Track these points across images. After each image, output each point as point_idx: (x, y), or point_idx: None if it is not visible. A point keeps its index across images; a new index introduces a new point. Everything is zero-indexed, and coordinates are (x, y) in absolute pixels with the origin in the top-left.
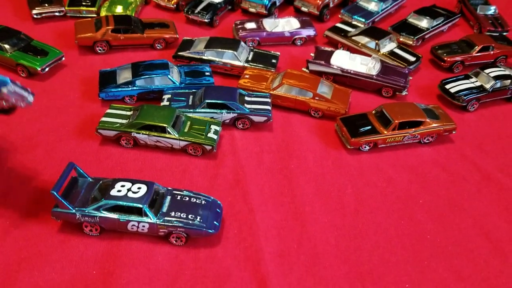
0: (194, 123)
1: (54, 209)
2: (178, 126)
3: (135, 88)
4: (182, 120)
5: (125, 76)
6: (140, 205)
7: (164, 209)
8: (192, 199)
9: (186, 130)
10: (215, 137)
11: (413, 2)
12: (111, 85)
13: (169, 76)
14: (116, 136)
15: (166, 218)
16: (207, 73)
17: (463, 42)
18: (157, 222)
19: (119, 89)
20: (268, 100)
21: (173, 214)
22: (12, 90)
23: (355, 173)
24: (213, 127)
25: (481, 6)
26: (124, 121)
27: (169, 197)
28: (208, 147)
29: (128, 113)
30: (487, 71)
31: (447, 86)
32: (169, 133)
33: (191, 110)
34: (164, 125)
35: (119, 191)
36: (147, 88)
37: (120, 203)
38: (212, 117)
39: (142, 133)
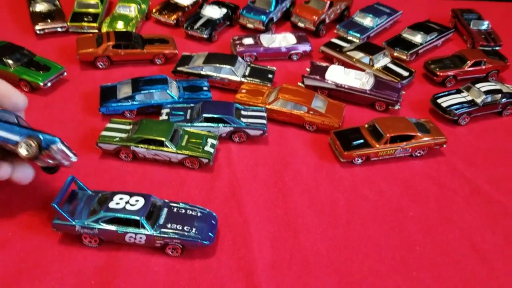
0: (191, 137)
1: (55, 221)
2: (175, 140)
3: (135, 102)
4: (180, 134)
5: (125, 91)
6: (138, 217)
7: (161, 221)
8: (188, 211)
9: (183, 143)
10: (211, 150)
11: (408, 17)
12: (111, 100)
13: (168, 91)
14: (116, 150)
15: (162, 229)
16: (205, 88)
17: (455, 57)
18: (154, 234)
19: (119, 103)
20: (264, 114)
21: (169, 226)
22: (60, 149)
23: (348, 185)
24: (210, 140)
25: (474, 21)
26: (123, 135)
27: (165, 209)
28: (205, 160)
29: (128, 127)
30: (478, 85)
31: (439, 101)
32: (167, 146)
33: (189, 124)
34: (162, 139)
35: (117, 203)
36: (146, 102)
37: (118, 215)
38: (209, 131)
39: (141, 147)
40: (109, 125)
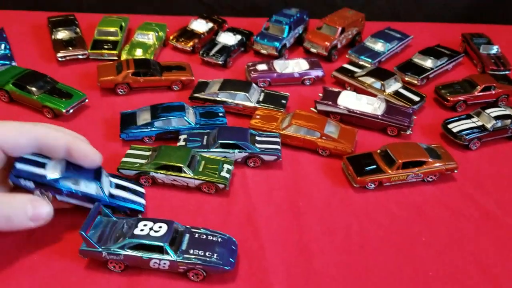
0: (208, 163)
1: (82, 248)
2: (193, 166)
3: (153, 129)
4: (197, 160)
5: (144, 117)
6: (161, 244)
7: (183, 246)
8: (209, 236)
9: (200, 169)
10: (227, 175)
11: (418, 41)
12: (131, 127)
13: (185, 118)
14: (136, 175)
15: (185, 255)
16: (220, 114)
17: (465, 82)
18: (177, 260)
19: (139, 130)
20: (278, 139)
21: (191, 251)
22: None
23: (361, 211)
24: (226, 166)
25: (484, 45)
26: (143, 161)
27: (187, 235)
28: (221, 186)
29: (147, 153)
30: (488, 111)
31: (450, 126)
32: (184, 172)
33: (205, 150)
34: (180, 165)
35: (141, 230)
36: (165, 128)
37: (143, 241)
38: (225, 156)
39: (160, 173)
40: (130, 151)
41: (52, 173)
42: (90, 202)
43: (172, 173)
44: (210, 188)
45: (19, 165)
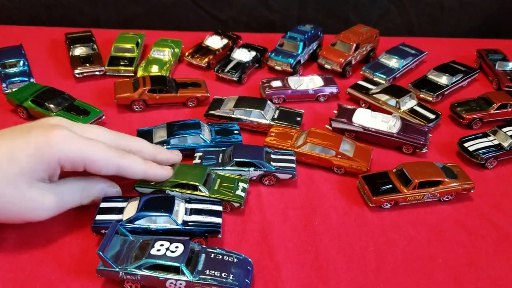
0: (223, 181)
1: (99, 267)
2: (208, 184)
3: (169, 146)
4: (213, 178)
5: (160, 135)
6: (178, 264)
7: (200, 267)
8: (224, 257)
9: (216, 187)
10: (243, 194)
11: (433, 57)
12: None
13: (200, 135)
14: (152, 194)
15: (201, 276)
16: (235, 131)
17: (481, 99)
18: (193, 280)
19: None
20: (293, 158)
21: (207, 272)
22: None
23: (377, 230)
24: (241, 184)
25: (500, 62)
26: None
27: (203, 255)
28: (236, 204)
29: None
30: (504, 129)
31: (466, 144)
32: (200, 191)
33: (221, 168)
34: (196, 183)
35: (158, 250)
36: (180, 146)
37: (160, 262)
38: (240, 174)
39: (176, 191)
40: None
41: (126, 215)
42: (166, 235)
43: (188, 191)
44: (225, 207)
45: (99, 217)
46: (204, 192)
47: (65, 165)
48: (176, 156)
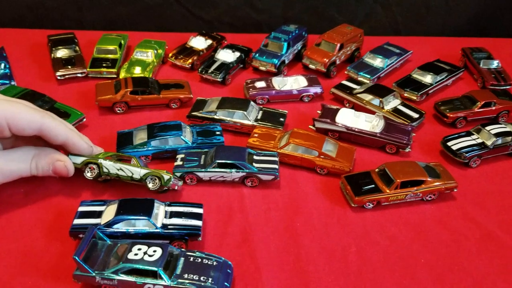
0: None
1: (76, 273)
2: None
3: (150, 148)
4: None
5: (141, 137)
6: (155, 268)
7: (178, 271)
8: (204, 260)
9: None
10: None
11: (418, 56)
12: (128, 146)
13: (181, 137)
14: (83, 164)
15: (179, 280)
16: (217, 132)
17: (465, 98)
18: (171, 285)
19: (135, 149)
20: (276, 159)
21: (186, 276)
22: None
23: (359, 231)
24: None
25: (484, 60)
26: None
27: (182, 259)
28: (166, 177)
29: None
30: (488, 128)
31: (449, 143)
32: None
33: (203, 170)
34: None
35: (136, 254)
36: (161, 148)
37: (137, 266)
38: (222, 176)
39: (108, 161)
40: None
41: (105, 219)
42: (145, 238)
43: (120, 163)
44: (154, 180)
45: (77, 221)
46: (137, 164)
47: None
48: (87, 146)
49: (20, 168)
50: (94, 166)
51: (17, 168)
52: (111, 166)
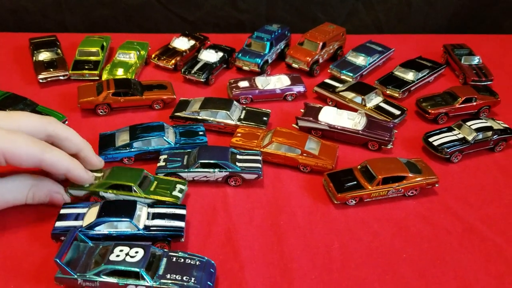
0: (160, 183)
1: (57, 275)
2: (144, 186)
3: (132, 150)
4: (150, 180)
5: (123, 138)
6: (137, 269)
7: (160, 271)
8: (187, 260)
9: (152, 189)
10: (179, 195)
11: (400, 53)
12: (110, 148)
13: (164, 138)
14: (86, 196)
15: (162, 280)
16: (200, 133)
17: (446, 94)
18: (154, 285)
19: (118, 151)
20: (259, 158)
21: (168, 276)
22: None
23: (342, 227)
24: (179, 186)
25: (466, 56)
26: (94, 182)
27: (165, 259)
28: None
29: (99, 174)
30: (469, 123)
31: (431, 139)
32: (134, 191)
33: (186, 170)
34: (131, 184)
35: (117, 255)
36: (144, 149)
37: (119, 267)
38: (205, 176)
39: (110, 192)
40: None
41: (86, 221)
42: (128, 240)
43: (123, 192)
44: None
45: (59, 223)
46: (138, 192)
47: None
48: (99, 161)
49: (16, 199)
50: (97, 198)
51: (13, 199)
52: (114, 199)
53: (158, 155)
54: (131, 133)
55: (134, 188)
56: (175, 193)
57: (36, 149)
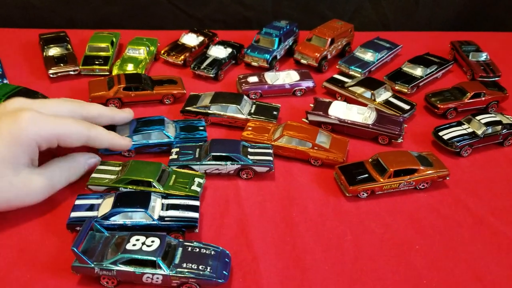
0: (178, 177)
1: (74, 264)
2: (163, 180)
3: (133, 143)
4: (168, 173)
5: (124, 132)
6: (154, 258)
7: (176, 260)
8: (202, 250)
9: (171, 183)
10: (198, 189)
11: (408, 50)
12: None
13: (164, 132)
14: (105, 192)
15: (178, 269)
16: (201, 128)
17: (455, 89)
18: (170, 274)
19: None
20: (270, 151)
21: (184, 265)
22: None
23: (354, 220)
24: (197, 180)
25: (473, 53)
26: (113, 177)
27: (180, 249)
28: None
29: (117, 168)
30: (478, 117)
31: (441, 133)
32: (154, 187)
33: (198, 163)
34: (150, 179)
35: (134, 245)
36: (144, 143)
37: (135, 256)
38: (217, 169)
39: (129, 188)
40: (100, 166)
41: (102, 212)
42: (142, 231)
43: (142, 187)
44: None
45: (74, 214)
46: (158, 188)
47: (41, 144)
48: (128, 113)
49: (61, 180)
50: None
51: (59, 181)
52: None
53: (158, 149)
54: (131, 127)
55: (154, 183)
56: (194, 187)
57: (83, 128)
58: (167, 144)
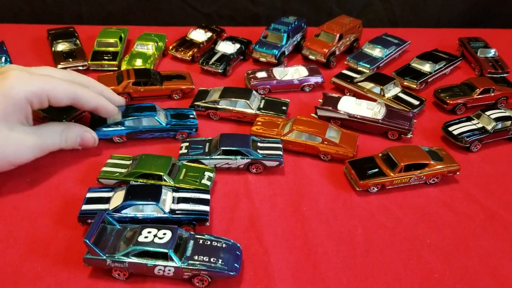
0: (189, 171)
1: (86, 256)
2: (173, 174)
3: (123, 128)
4: (178, 167)
5: (115, 117)
6: (166, 250)
7: (188, 253)
8: (213, 242)
9: (181, 177)
10: (208, 183)
11: (416, 46)
12: (103, 125)
13: (156, 118)
14: (116, 185)
15: (190, 261)
16: (191, 116)
17: (464, 85)
18: (182, 266)
19: (109, 128)
20: (280, 145)
21: (196, 257)
22: None
23: (365, 214)
24: (207, 173)
25: (482, 49)
26: (123, 171)
27: (192, 241)
28: None
29: (127, 162)
30: (488, 113)
31: (450, 129)
32: (165, 180)
33: (208, 157)
34: (160, 173)
35: (146, 237)
36: (135, 128)
37: (147, 248)
38: (227, 163)
39: (140, 181)
40: (110, 160)
41: (113, 205)
42: (153, 224)
43: (152, 181)
44: None
45: (85, 207)
46: (168, 182)
47: (33, 101)
48: (120, 98)
49: (53, 142)
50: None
51: (51, 142)
52: None
53: (150, 135)
54: (123, 112)
55: (164, 177)
56: (204, 181)
57: (72, 87)
58: (159, 130)
